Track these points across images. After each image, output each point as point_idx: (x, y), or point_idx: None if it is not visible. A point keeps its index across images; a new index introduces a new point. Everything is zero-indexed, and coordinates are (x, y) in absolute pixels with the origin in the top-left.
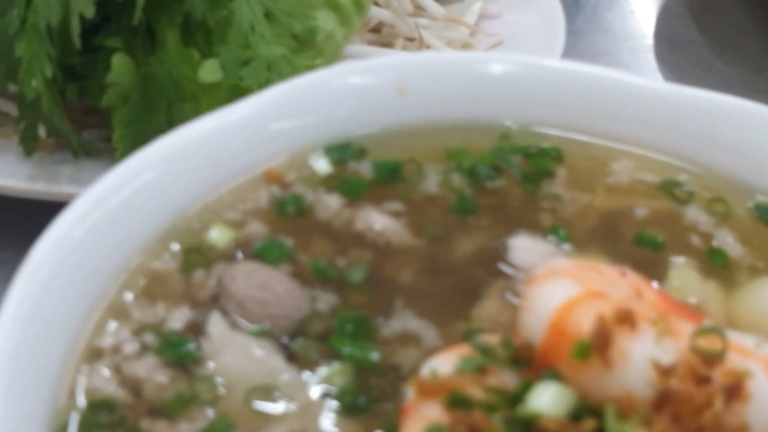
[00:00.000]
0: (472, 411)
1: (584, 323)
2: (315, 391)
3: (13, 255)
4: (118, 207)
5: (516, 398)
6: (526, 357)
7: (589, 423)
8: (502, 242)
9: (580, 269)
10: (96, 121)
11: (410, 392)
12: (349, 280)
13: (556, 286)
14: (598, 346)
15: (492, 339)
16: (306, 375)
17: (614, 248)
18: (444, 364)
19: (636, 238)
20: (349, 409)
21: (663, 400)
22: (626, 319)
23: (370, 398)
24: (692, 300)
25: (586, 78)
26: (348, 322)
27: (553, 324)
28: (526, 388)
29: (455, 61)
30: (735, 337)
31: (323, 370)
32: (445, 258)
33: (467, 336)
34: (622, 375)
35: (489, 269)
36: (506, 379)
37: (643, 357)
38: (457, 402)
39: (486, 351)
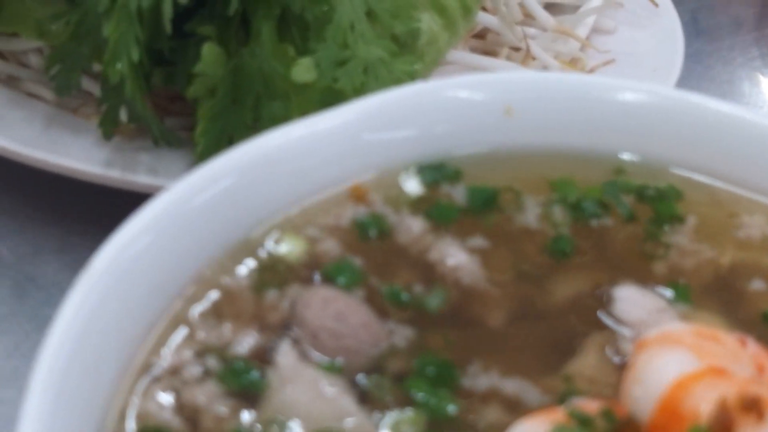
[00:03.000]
0: None
1: (703, 406)
2: None
3: (81, 240)
4: (190, 214)
5: None
6: None
7: None
8: (605, 291)
9: (698, 337)
10: (181, 109)
11: None
12: (427, 308)
13: (671, 356)
14: None
15: (590, 406)
16: (376, 419)
17: (736, 313)
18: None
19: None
20: None
21: None
22: (752, 406)
23: None
24: None
25: (719, 116)
26: (430, 365)
27: (666, 401)
28: None
29: (572, 84)
30: None
31: (394, 416)
32: (537, 303)
33: (562, 398)
34: None
35: (587, 320)
36: None
37: None
38: None
39: (584, 421)
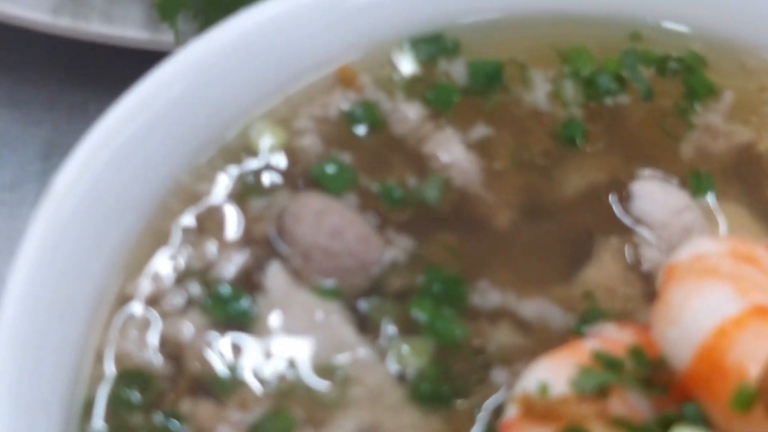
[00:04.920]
0: None
1: (749, 361)
2: (389, 375)
3: (32, 92)
4: (158, 116)
5: None
6: (663, 379)
7: None
8: (623, 185)
9: (734, 262)
10: None
11: (512, 409)
12: (425, 200)
13: (710, 296)
14: (766, 395)
15: (617, 341)
16: (379, 350)
17: (757, 200)
18: (556, 376)
19: None
20: (428, 400)
21: None
22: None
23: (453, 389)
24: None
25: None
26: (435, 281)
27: (707, 351)
28: (662, 426)
29: None
30: None
31: (399, 347)
32: (546, 197)
33: (584, 320)
34: None
35: (603, 218)
36: (634, 402)
37: None
38: None
39: (612, 365)
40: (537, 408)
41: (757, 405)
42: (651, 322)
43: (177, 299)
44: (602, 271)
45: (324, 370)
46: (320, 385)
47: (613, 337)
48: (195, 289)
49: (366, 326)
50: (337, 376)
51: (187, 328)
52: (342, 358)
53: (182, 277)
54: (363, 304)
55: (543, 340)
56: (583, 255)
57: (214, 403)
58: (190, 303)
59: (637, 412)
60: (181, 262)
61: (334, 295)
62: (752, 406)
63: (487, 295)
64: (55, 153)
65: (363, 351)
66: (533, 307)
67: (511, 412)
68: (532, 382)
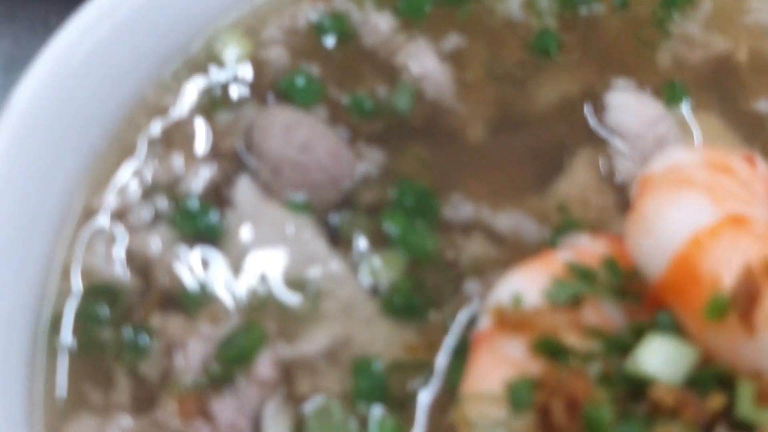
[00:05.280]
0: (565, 362)
1: (724, 269)
2: (361, 288)
3: None
4: (120, 27)
5: (621, 346)
6: (636, 289)
7: (717, 399)
8: (598, 97)
9: (710, 172)
10: None
11: (485, 320)
12: (396, 109)
13: (684, 205)
14: (740, 304)
15: (590, 251)
16: (351, 264)
17: (732, 111)
18: (529, 287)
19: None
20: (401, 312)
21: None
22: None
23: (426, 301)
24: None
25: None
26: (407, 193)
27: (681, 260)
28: (635, 334)
29: None
30: None
31: (371, 260)
32: (519, 109)
33: (558, 233)
34: None
35: (576, 129)
36: (607, 313)
37: None
38: (548, 349)
39: (586, 276)
40: (510, 319)
41: (730, 314)
42: (625, 232)
43: (144, 213)
44: (576, 182)
45: (295, 283)
46: (292, 299)
47: (586, 248)
48: (162, 203)
49: (338, 240)
50: (309, 289)
51: (155, 243)
52: (314, 272)
53: (149, 191)
54: (334, 218)
55: (516, 252)
56: (557, 167)
57: (185, 318)
58: (158, 217)
59: (611, 322)
60: (148, 175)
61: (305, 209)
62: (725, 315)
63: (460, 208)
64: (16, 66)
65: (335, 264)
66: (507, 220)
67: (484, 323)
68: (505, 293)
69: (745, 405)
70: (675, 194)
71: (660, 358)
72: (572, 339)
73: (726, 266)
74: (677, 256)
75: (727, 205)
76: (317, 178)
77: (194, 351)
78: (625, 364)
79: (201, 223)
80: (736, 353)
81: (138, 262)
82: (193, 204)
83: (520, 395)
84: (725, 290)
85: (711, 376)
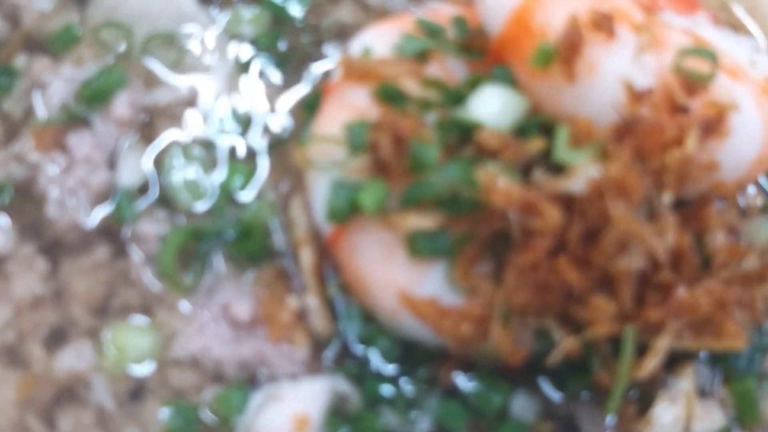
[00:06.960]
0: (403, 108)
1: (553, 21)
2: (230, 45)
3: None
4: None
5: (458, 97)
6: (480, 46)
7: (536, 143)
8: None
9: None
10: None
11: (338, 71)
12: None
13: None
14: (563, 52)
15: (444, 13)
16: (216, 17)
17: None
18: (380, 40)
19: None
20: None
21: (627, 130)
22: (604, 24)
23: (284, 59)
24: None
25: None
26: None
27: (517, 14)
28: (472, 85)
29: None
30: (728, 48)
31: (237, 11)
32: None
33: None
34: (586, 92)
35: None
36: (451, 67)
37: (614, 74)
38: (387, 95)
39: (434, 31)
40: (356, 67)
41: (555, 62)
42: None
43: None
44: None
45: (161, 38)
46: (161, 53)
47: (440, 9)
48: None
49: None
50: (177, 44)
51: None
52: (181, 28)
53: None
54: None
55: (380, 19)
56: None
57: (51, 59)
58: None
59: (453, 77)
60: None
61: None
62: (550, 63)
63: None
64: None
65: (202, 20)
66: None
67: (336, 74)
68: (357, 46)
69: (561, 147)
70: None
71: (490, 106)
72: (412, 87)
73: (555, 18)
74: (515, 10)
75: None
76: None
77: (56, 90)
78: (456, 111)
79: None
80: (559, 101)
81: (7, 7)
82: None
83: (355, 135)
84: (552, 40)
85: (535, 124)
